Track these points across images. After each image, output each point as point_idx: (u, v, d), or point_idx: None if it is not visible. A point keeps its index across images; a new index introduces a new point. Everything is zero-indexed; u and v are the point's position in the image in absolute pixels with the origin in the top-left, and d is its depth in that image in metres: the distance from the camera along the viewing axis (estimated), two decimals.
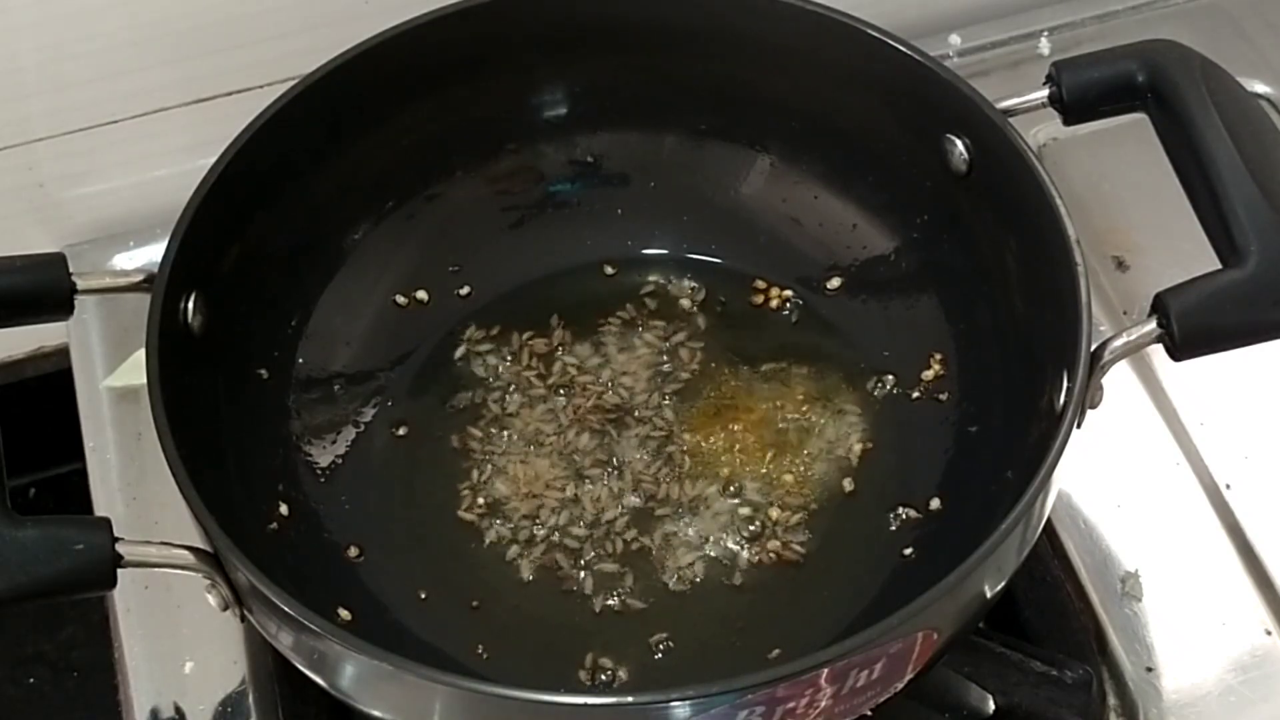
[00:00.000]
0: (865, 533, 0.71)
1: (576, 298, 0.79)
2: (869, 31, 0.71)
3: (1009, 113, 0.68)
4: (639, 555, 0.71)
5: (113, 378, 0.80)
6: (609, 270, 0.80)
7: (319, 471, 0.73)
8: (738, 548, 0.71)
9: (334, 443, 0.74)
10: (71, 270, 0.63)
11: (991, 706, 0.69)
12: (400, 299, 0.78)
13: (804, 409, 0.75)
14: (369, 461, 0.74)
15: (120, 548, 0.57)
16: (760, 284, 0.79)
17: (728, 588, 0.70)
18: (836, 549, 0.71)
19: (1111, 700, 0.70)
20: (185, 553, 0.59)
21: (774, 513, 0.72)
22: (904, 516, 0.71)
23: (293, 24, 0.83)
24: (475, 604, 0.70)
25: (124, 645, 0.73)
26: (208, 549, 0.59)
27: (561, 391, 0.76)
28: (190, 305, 0.66)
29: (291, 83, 0.71)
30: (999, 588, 0.61)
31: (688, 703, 0.54)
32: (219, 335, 0.68)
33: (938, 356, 0.75)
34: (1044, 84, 0.68)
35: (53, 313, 0.64)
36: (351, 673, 0.58)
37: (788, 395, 0.76)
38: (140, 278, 0.65)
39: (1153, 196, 0.80)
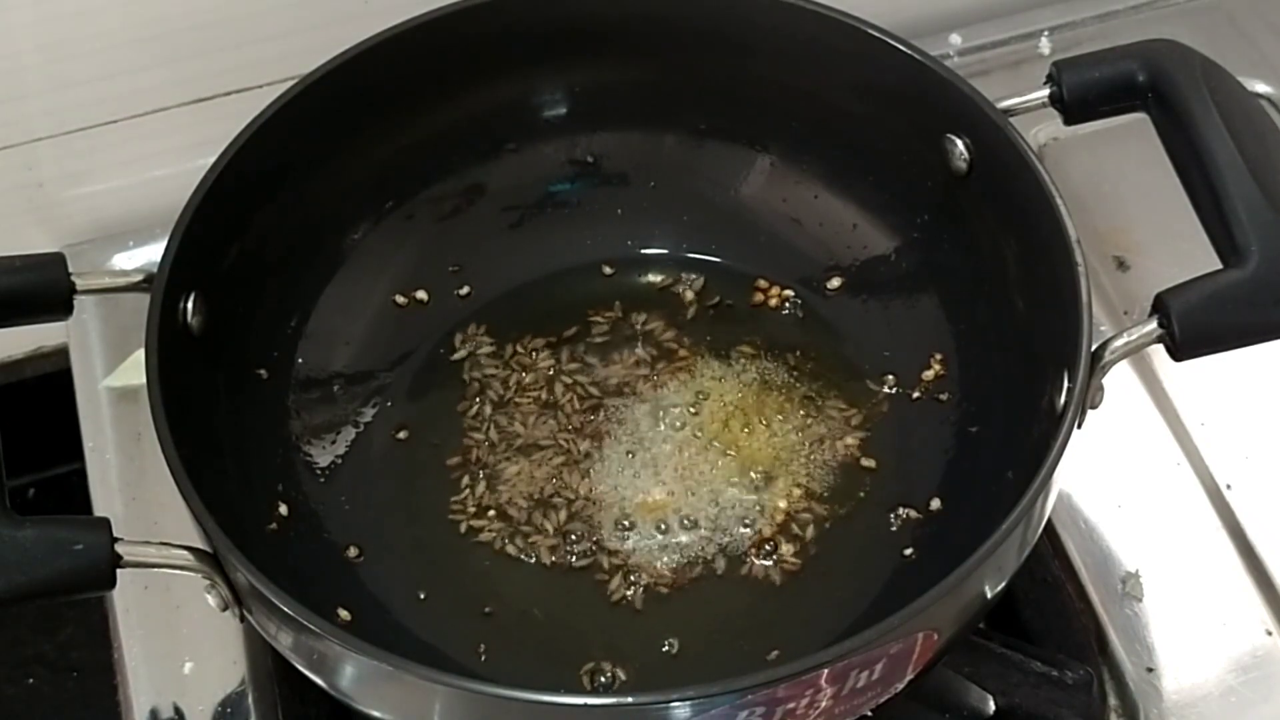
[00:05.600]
0: (865, 533, 0.71)
1: (576, 297, 0.79)
2: (869, 31, 0.71)
3: (1009, 112, 0.68)
4: (638, 556, 0.71)
5: (112, 378, 0.80)
6: (608, 270, 0.80)
7: (319, 472, 0.73)
8: (738, 548, 0.71)
9: (333, 443, 0.74)
10: (71, 270, 0.63)
11: (992, 707, 0.68)
12: (400, 299, 0.78)
13: (804, 409, 0.75)
14: (368, 461, 0.74)
15: (119, 548, 0.57)
16: (761, 284, 0.79)
17: (728, 588, 0.70)
18: (837, 549, 0.71)
19: (1112, 701, 0.70)
20: (184, 553, 0.59)
21: (774, 513, 0.72)
22: (904, 516, 0.71)
23: (293, 24, 0.83)
24: (487, 610, 0.69)
25: (123, 646, 0.73)
26: (207, 549, 0.59)
27: (561, 392, 0.76)
28: (190, 305, 0.66)
29: (291, 83, 0.71)
30: (999, 588, 0.61)
31: (688, 703, 0.54)
32: (219, 335, 0.68)
33: (938, 356, 0.75)
34: (1044, 83, 0.68)
35: (52, 313, 0.64)
36: (351, 673, 0.58)
37: (788, 395, 0.76)
38: (140, 278, 0.65)
39: (1153, 196, 0.80)
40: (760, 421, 0.75)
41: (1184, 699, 0.69)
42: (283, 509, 0.70)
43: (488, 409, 0.76)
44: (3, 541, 0.55)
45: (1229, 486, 0.75)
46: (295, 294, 0.75)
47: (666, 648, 0.68)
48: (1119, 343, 0.61)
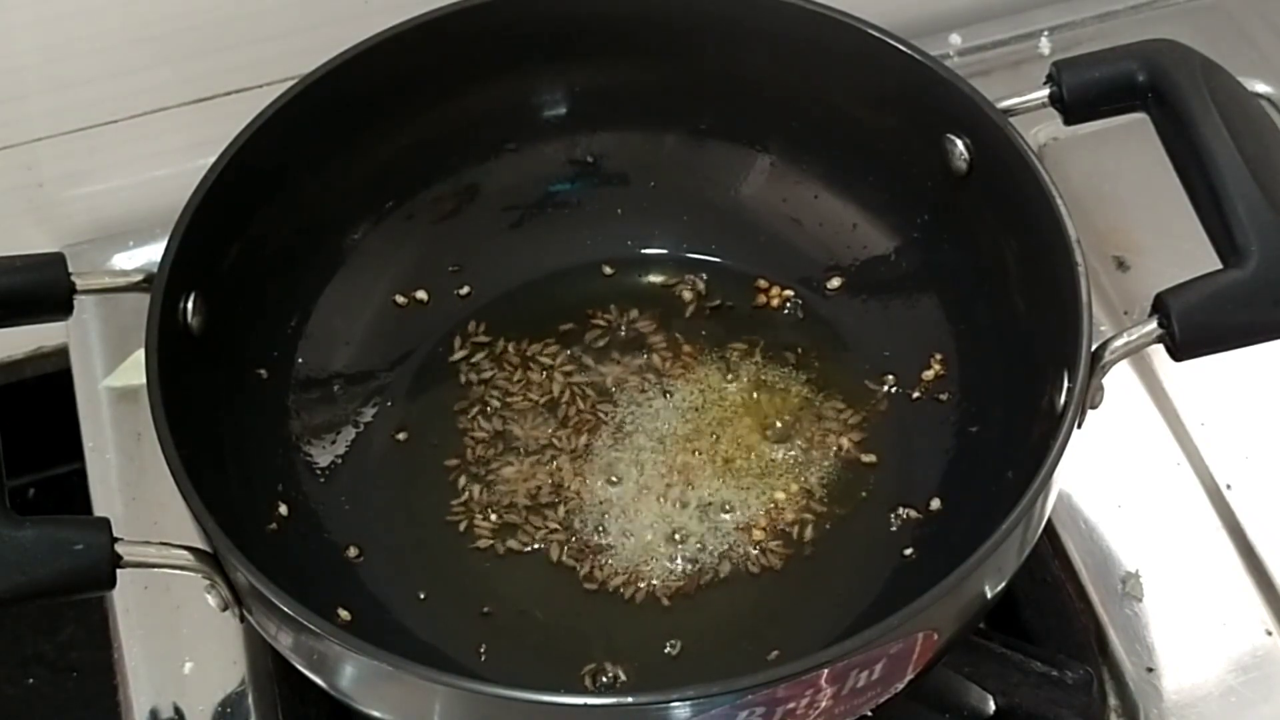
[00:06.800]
0: (865, 533, 0.71)
1: (576, 298, 0.79)
2: (869, 31, 0.71)
3: (1009, 112, 0.68)
4: (638, 556, 0.71)
5: (112, 378, 0.80)
6: (608, 270, 0.80)
7: (319, 472, 0.73)
8: (738, 548, 0.71)
9: (333, 443, 0.74)
10: (71, 270, 0.63)
11: (992, 707, 0.69)
12: (400, 299, 0.78)
13: (804, 409, 0.75)
14: (368, 462, 0.74)
15: (119, 548, 0.57)
16: (761, 284, 0.79)
17: (728, 589, 0.70)
18: (836, 549, 0.71)
19: (1112, 701, 0.70)
20: (185, 553, 0.59)
21: (774, 513, 0.72)
22: (904, 516, 0.71)
23: (293, 24, 0.83)
24: (487, 610, 0.69)
25: (123, 646, 0.73)
26: (207, 549, 0.59)
27: (561, 392, 0.76)
28: (190, 305, 0.66)
29: (291, 83, 0.71)
30: (999, 588, 0.61)
31: (688, 703, 0.54)
32: (219, 335, 0.68)
33: (938, 356, 0.75)
34: (1044, 84, 0.68)
35: (52, 313, 0.64)
36: (351, 673, 0.58)
37: (788, 395, 0.76)
38: (140, 278, 0.65)
39: (1153, 196, 0.80)
40: (760, 422, 0.75)
41: (1184, 699, 0.69)
42: (283, 509, 0.70)
43: (488, 409, 0.76)
44: (3, 541, 0.55)
45: (1229, 486, 0.75)
46: (295, 294, 0.75)
47: (667, 648, 0.68)
48: (1119, 343, 0.61)
